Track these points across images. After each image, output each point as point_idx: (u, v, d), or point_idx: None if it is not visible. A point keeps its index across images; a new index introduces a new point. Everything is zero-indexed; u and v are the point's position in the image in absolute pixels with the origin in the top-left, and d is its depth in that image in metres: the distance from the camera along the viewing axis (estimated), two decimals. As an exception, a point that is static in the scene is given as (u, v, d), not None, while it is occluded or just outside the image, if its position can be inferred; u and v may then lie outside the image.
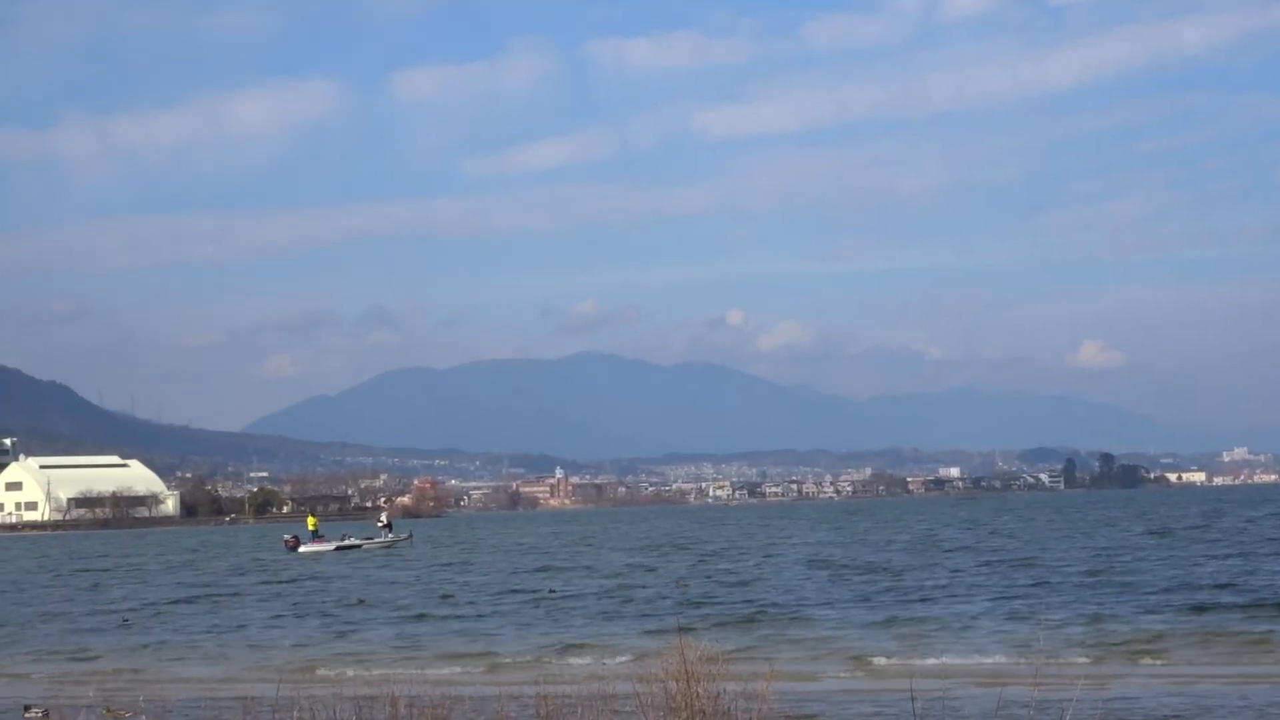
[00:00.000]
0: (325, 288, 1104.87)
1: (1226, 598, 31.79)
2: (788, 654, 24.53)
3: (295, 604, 41.84)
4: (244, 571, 64.35)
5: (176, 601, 44.01)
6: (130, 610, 41.39)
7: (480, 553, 78.55)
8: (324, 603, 41.70)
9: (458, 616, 35.47)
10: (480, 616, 35.39)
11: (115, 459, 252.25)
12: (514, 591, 42.90)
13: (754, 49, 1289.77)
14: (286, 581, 54.06)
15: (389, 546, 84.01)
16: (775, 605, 34.39)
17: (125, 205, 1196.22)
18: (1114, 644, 24.67)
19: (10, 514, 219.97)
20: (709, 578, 46.46)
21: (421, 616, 35.58)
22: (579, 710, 13.81)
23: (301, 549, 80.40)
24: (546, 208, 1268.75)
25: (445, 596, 41.71)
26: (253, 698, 15.85)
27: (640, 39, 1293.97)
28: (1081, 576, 40.22)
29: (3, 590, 57.82)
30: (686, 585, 42.81)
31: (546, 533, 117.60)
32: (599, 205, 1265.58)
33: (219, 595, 46.52)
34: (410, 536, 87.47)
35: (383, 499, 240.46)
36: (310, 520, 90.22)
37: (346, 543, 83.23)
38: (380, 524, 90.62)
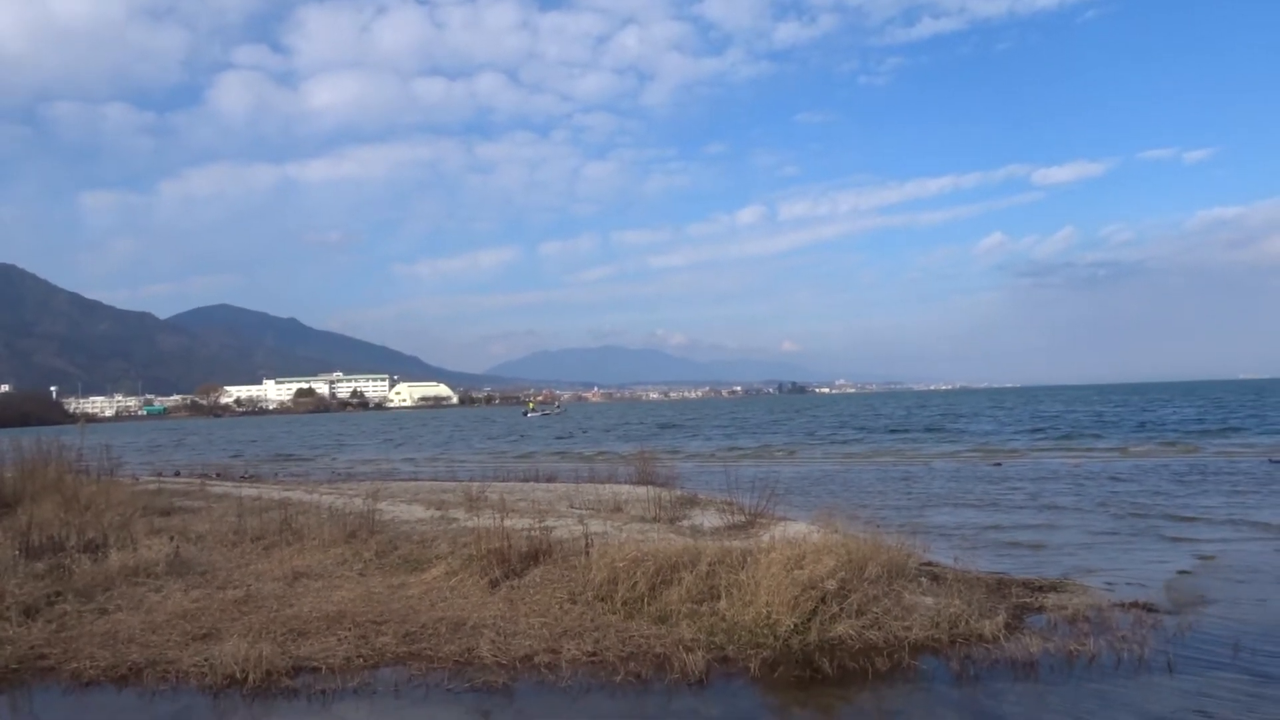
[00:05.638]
0: (540, 315, 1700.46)
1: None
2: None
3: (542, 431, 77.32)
4: (521, 422, 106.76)
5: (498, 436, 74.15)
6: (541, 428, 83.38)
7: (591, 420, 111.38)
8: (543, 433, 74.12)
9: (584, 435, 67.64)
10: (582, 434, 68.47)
11: (435, 384, 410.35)
12: (607, 430, 74.85)
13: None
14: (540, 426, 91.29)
15: (558, 415, 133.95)
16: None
17: (438, 292, 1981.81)
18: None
19: (405, 400, 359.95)
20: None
21: (570, 436, 66.93)
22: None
23: (528, 415, 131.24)
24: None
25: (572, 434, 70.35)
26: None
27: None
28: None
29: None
30: (551, 413, 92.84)
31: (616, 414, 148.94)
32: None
33: (514, 432, 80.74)
34: (564, 410, 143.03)
35: (540, 397, 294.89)
36: (529, 404, 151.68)
37: (542, 413, 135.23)
38: (557, 406, 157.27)
